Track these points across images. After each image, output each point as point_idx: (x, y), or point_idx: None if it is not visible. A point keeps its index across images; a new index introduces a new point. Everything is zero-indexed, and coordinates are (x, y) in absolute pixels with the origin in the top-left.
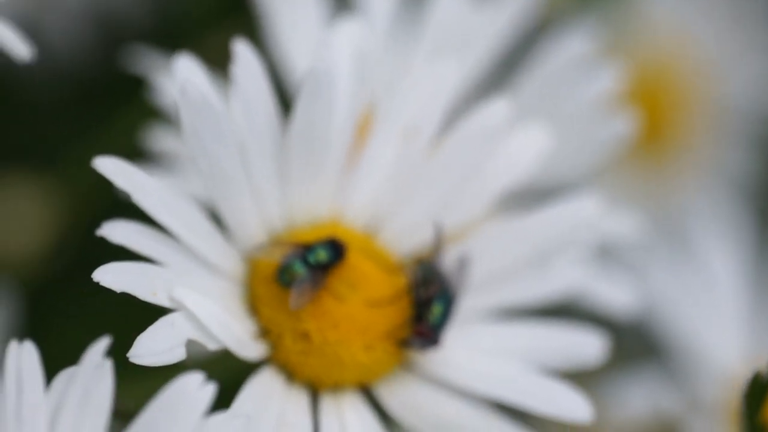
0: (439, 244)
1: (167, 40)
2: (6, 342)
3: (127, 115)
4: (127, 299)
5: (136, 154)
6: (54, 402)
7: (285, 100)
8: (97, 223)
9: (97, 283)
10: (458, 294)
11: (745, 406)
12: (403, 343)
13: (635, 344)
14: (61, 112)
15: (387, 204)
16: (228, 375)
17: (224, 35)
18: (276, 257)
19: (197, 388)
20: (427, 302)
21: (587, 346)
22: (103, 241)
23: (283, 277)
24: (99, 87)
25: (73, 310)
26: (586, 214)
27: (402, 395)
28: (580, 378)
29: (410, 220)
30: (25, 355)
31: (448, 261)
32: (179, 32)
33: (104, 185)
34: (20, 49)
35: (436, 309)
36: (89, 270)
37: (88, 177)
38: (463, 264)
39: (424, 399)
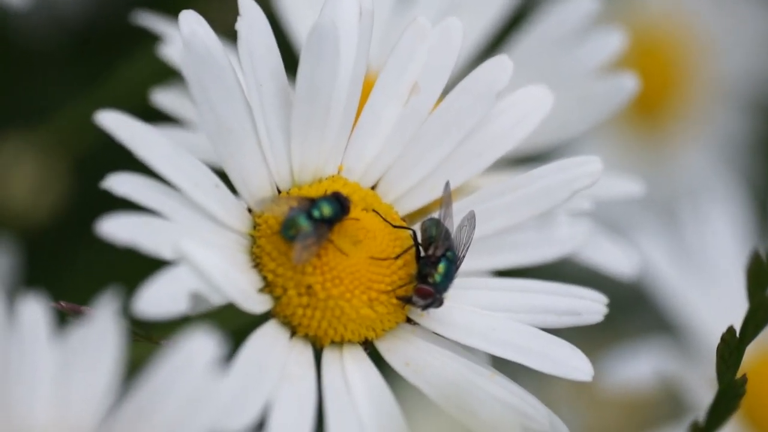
0: (448, 204)
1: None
2: (9, 295)
3: (126, 69)
4: (130, 251)
5: (137, 108)
6: (61, 359)
7: (290, 65)
8: (98, 176)
9: (100, 236)
10: (462, 254)
11: (720, 364)
12: (406, 301)
13: (646, 319)
14: (59, 64)
15: (391, 161)
16: (232, 327)
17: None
18: (280, 211)
19: (202, 344)
20: (432, 261)
21: (589, 303)
22: (104, 194)
23: (287, 231)
24: (97, 40)
25: (75, 263)
26: (589, 170)
27: (404, 352)
28: (586, 348)
29: (414, 178)
30: (33, 310)
31: (453, 220)
32: None
33: (104, 138)
34: None
35: (440, 268)
36: (91, 223)
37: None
38: (468, 223)
39: (427, 357)
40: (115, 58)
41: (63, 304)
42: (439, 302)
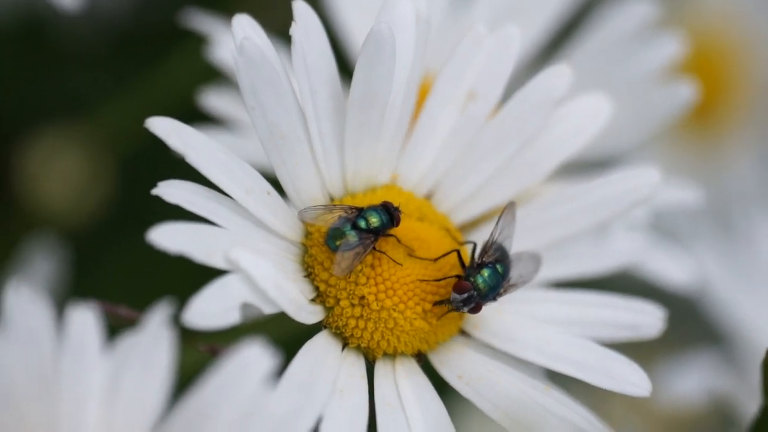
0: (509, 223)
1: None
2: (55, 295)
3: (169, 69)
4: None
5: (177, 108)
6: (113, 370)
7: (345, 71)
8: (141, 176)
9: (143, 237)
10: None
11: (765, 377)
12: (445, 302)
13: (693, 328)
14: (100, 63)
15: (446, 170)
16: (285, 334)
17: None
18: (327, 221)
19: (256, 356)
20: (477, 265)
21: (647, 318)
22: (147, 193)
23: (332, 241)
24: (140, 40)
25: (119, 263)
26: (649, 181)
27: (458, 365)
28: (637, 359)
29: (469, 187)
30: (84, 320)
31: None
32: None
33: (146, 137)
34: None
35: (485, 272)
36: (134, 224)
37: (131, 130)
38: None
39: (481, 370)
40: (157, 58)
41: (122, 310)
42: (476, 303)
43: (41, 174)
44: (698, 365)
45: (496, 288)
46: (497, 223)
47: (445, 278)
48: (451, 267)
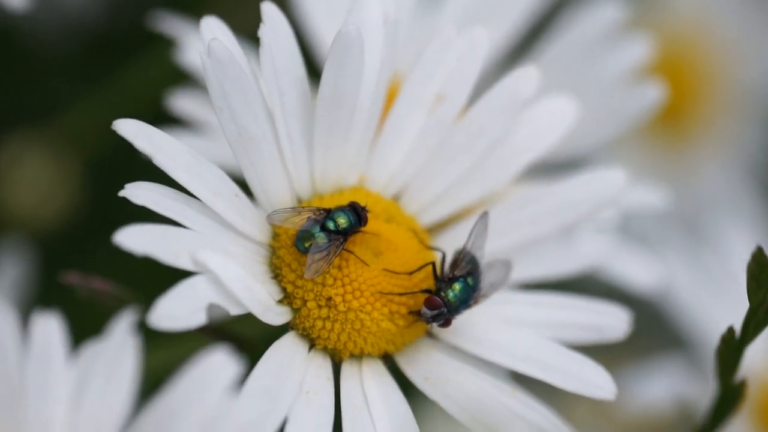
0: (481, 234)
1: (178, 2)
2: (23, 299)
3: (136, 72)
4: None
5: (145, 111)
6: (78, 376)
7: (313, 73)
8: (109, 179)
9: (111, 240)
10: (481, 285)
11: (720, 365)
12: (416, 313)
13: (659, 333)
14: (68, 67)
15: (414, 172)
16: (253, 331)
17: (243, 5)
18: (295, 223)
19: (221, 366)
20: (449, 279)
21: (612, 320)
22: (116, 197)
23: (302, 243)
24: (107, 43)
25: (87, 267)
26: (615, 183)
27: (425, 367)
28: (603, 364)
29: (437, 188)
30: (49, 327)
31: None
32: None
33: (114, 141)
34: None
35: (456, 287)
36: (102, 227)
37: (98, 133)
38: (480, 226)
39: (447, 371)
40: (125, 61)
41: (96, 283)
42: (446, 320)
43: (9, 178)
44: (664, 371)
45: (467, 301)
46: (470, 234)
47: (407, 293)
48: (422, 277)
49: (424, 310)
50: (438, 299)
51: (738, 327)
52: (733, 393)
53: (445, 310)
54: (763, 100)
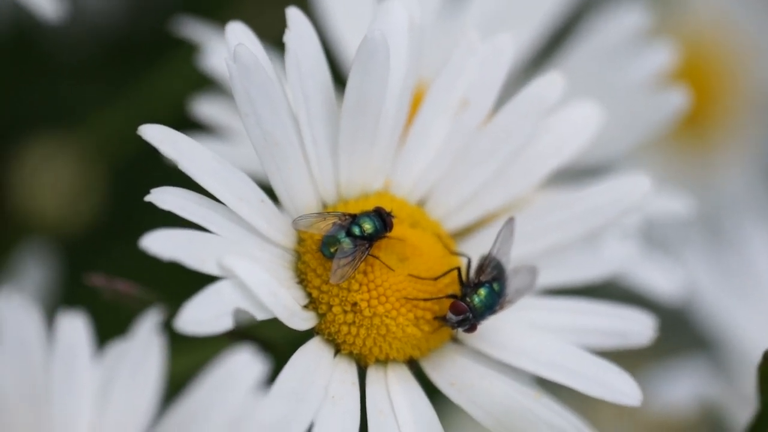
0: (507, 240)
1: (199, 7)
2: (47, 302)
3: (160, 77)
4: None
5: (169, 116)
6: (103, 376)
7: (338, 79)
8: (134, 183)
9: (136, 242)
10: (506, 291)
11: (760, 385)
12: (441, 319)
13: (682, 335)
14: (91, 72)
15: (439, 177)
16: (278, 336)
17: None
18: (321, 229)
19: (246, 366)
20: (475, 284)
21: (637, 325)
22: (140, 201)
23: (327, 248)
24: (131, 49)
25: (111, 271)
26: (640, 189)
27: (450, 372)
28: (626, 366)
29: (462, 194)
30: (75, 327)
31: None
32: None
33: (138, 145)
34: (47, 8)
35: (482, 292)
36: (127, 231)
37: (123, 138)
38: (508, 230)
39: (472, 376)
40: (149, 66)
41: (120, 285)
42: (471, 325)
43: (33, 183)
44: (688, 372)
45: (493, 307)
46: (495, 239)
47: (433, 298)
48: (447, 282)
49: (450, 315)
50: (463, 304)
51: (765, 334)
52: None
53: (471, 315)
54: None
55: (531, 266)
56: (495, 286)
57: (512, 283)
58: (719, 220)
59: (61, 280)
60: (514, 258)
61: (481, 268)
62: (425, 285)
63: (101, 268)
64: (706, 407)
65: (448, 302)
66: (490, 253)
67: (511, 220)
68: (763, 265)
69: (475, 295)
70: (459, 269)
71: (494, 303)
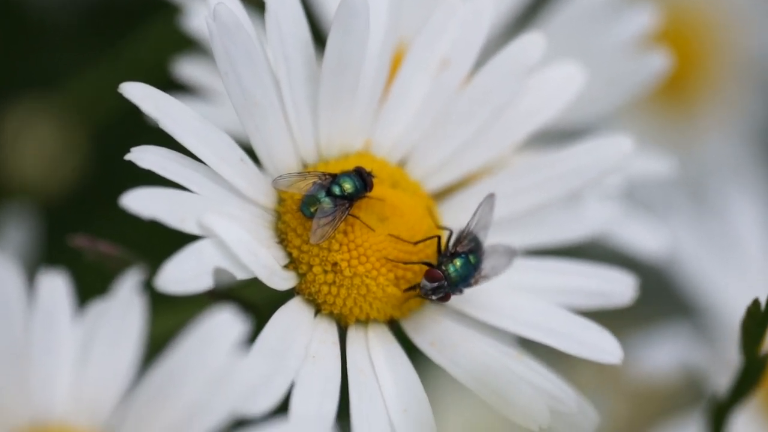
0: (487, 216)
1: None
2: (28, 264)
3: (142, 39)
4: (151, 222)
5: (152, 78)
6: (84, 335)
7: (318, 40)
8: (116, 145)
9: (118, 206)
10: (482, 266)
11: (743, 341)
12: (412, 288)
13: (663, 301)
14: (72, 35)
15: (419, 137)
16: (259, 296)
17: None
18: (301, 188)
19: (226, 325)
20: (451, 254)
21: (619, 286)
22: (122, 163)
23: (307, 208)
24: (112, 11)
25: (93, 233)
26: (621, 149)
27: (431, 332)
28: (610, 330)
29: (442, 154)
30: (55, 286)
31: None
32: None
33: (120, 108)
34: None
35: (457, 262)
36: (109, 193)
37: (105, 99)
38: (486, 207)
39: (453, 336)
40: (130, 28)
41: (102, 246)
42: (445, 294)
43: (15, 145)
44: (669, 338)
45: (467, 278)
46: (474, 213)
47: (410, 262)
48: (425, 245)
49: (424, 282)
50: (438, 272)
51: (746, 298)
52: (757, 366)
53: (445, 283)
54: (767, 67)
55: (509, 246)
56: (471, 258)
57: (489, 261)
58: (701, 185)
59: (43, 243)
60: (495, 218)
61: (458, 240)
62: (405, 245)
63: (83, 232)
64: (688, 373)
65: (429, 254)
66: (468, 226)
67: (491, 196)
68: (745, 230)
69: (450, 264)
70: (439, 238)
71: (469, 275)
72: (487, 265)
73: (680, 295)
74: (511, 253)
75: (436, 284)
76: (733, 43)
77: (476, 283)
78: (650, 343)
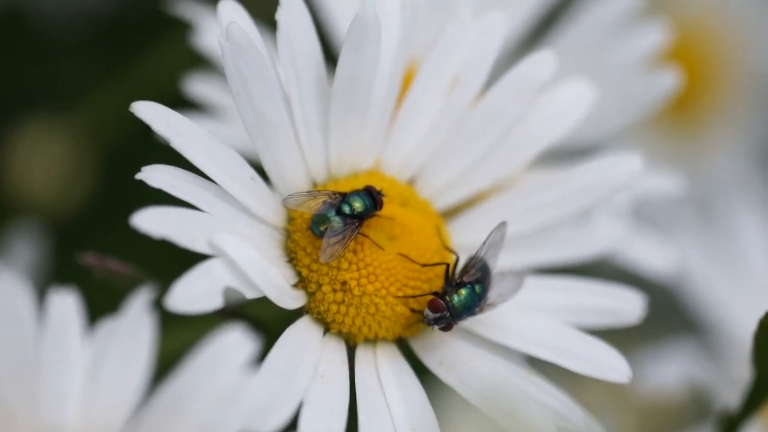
0: (497, 244)
1: None
2: (38, 282)
3: (153, 57)
4: (161, 240)
5: (163, 96)
6: (94, 354)
7: (330, 58)
8: (127, 164)
9: (128, 224)
10: (488, 294)
11: (755, 354)
12: (418, 312)
13: (671, 318)
14: (83, 52)
15: (429, 156)
16: (268, 314)
17: None
18: (311, 207)
19: (236, 344)
20: (457, 284)
21: (627, 304)
22: (133, 182)
23: (317, 227)
24: (123, 28)
25: (103, 252)
26: (631, 168)
27: (439, 351)
28: (615, 347)
29: (452, 173)
30: (66, 304)
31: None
32: None
33: (131, 125)
34: None
35: (462, 292)
36: (120, 212)
37: (117, 118)
38: (498, 234)
39: (461, 356)
40: (143, 46)
41: (112, 264)
42: (447, 324)
43: (26, 163)
44: (677, 355)
45: (471, 308)
46: (485, 241)
47: (415, 296)
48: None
49: (427, 311)
50: (442, 303)
51: (753, 314)
52: None
53: (448, 314)
54: None
55: (518, 272)
56: (477, 288)
57: (497, 287)
58: (709, 202)
59: (53, 261)
60: (507, 268)
61: (466, 268)
62: (414, 265)
63: (92, 250)
64: (695, 390)
65: (439, 273)
66: (477, 254)
67: (503, 224)
68: (752, 248)
69: (455, 294)
70: (448, 265)
71: (473, 305)
72: (494, 293)
73: (687, 313)
74: (520, 280)
75: (438, 315)
76: (740, 61)
77: (481, 311)
78: (657, 360)
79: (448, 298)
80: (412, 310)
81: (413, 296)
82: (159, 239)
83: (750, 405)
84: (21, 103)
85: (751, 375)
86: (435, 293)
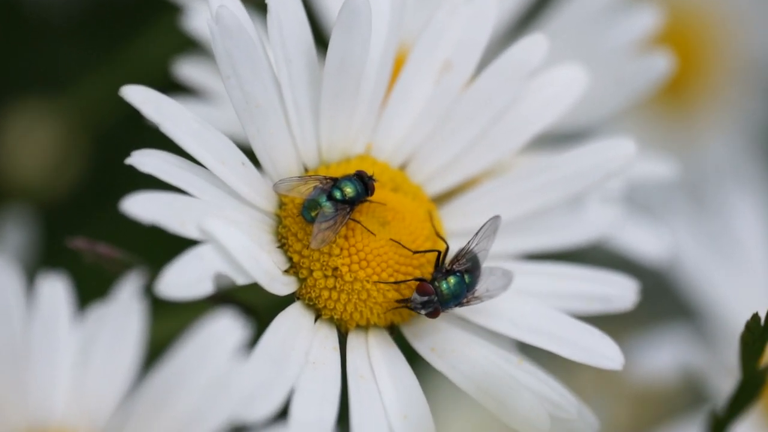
0: (489, 237)
1: None
2: (27, 267)
3: (144, 41)
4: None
5: (153, 80)
6: (83, 339)
7: (320, 42)
8: (117, 148)
9: (118, 209)
10: (477, 286)
11: (742, 355)
12: (404, 301)
13: (664, 303)
14: (73, 36)
15: (421, 141)
16: (259, 300)
17: None
18: (302, 192)
19: (226, 330)
20: (446, 271)
21: (620, 290)
22: (123, 166)
23: (308, 212)
24: (114, 12)
25: (93, 236)
26: (624, 152)
27: (431, 337)
28: (608, 333)
29: (444, 157)
30: (55, 289)
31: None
32: None
33: (121, 109)
34: None
35: (451, 280)
36: (110, 196)
37: (107, 102)
38: (491, 227)
39: (453, 342)
40: (133, 30)
41: (101, 248)
42: (434, 309)
43: (16, 147)
44: (669, 341)
45: (459, 297)
46: (477, 233)
47: (402, 281)
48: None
49: (415, 295)
50: (430, 286)
51: (746, 300)
52: (756, 380)
53: (435, 298)
54: (767, 68)
55: (507, 270)
56: (466, 277)
57: (485, 282)
58: (702, 187)
59: (42, 245)
60: (495, 265)
61: (456, 257)
62: (406, 251)
63: (82, 234)
64: (688, 376)
65: (431, 259)
66: (468, 245)
67: (496, 218)
68: (745, 232)
69: (444, 281)
70: (439, 252)
71: (461, 293)
72: (482, 287)
73: (680, 298)
74: (508, 279)
75: (426, 299)
76: (733, 44)
77: (468, 303)
78: (650, 347)
79: (437, 284)
80: (397, 301)
81: (400, 282)
82: (149, 224)
83: (737, 405)
84: (11, 88)
85: (739, 376)
86: (423, 279)
